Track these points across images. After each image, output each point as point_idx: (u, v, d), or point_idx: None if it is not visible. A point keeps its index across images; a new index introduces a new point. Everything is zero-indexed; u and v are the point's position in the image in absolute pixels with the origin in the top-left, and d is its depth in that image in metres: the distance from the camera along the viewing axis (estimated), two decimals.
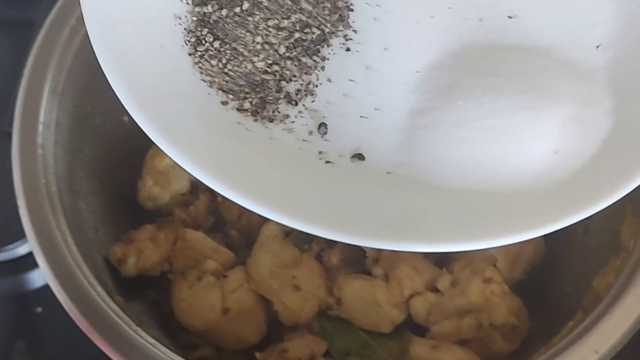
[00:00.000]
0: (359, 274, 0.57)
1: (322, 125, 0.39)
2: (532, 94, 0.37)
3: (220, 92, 0.39)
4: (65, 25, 0.56)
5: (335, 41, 0.40)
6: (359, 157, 0.39)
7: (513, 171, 0.36)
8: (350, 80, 0.40)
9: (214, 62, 0.39)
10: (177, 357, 0.47)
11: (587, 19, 0.39)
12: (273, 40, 0.38)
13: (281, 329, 0.57)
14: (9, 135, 0.54)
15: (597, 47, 0.39)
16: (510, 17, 0.39)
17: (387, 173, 0.38)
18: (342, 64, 0.40)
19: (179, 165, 0.37)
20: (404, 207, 0.37)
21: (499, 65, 0.38)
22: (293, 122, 0.39)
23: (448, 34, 0.39)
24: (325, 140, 0.39)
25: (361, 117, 0.39)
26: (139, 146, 0.63)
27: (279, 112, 0.39)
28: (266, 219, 0.59)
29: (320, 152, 0.39)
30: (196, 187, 0.63)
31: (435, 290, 0.55)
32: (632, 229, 0.52)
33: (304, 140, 0.39)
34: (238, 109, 0.39)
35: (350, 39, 0.40)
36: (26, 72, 0.55)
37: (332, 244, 0.59)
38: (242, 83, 0.39)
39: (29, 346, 0.62)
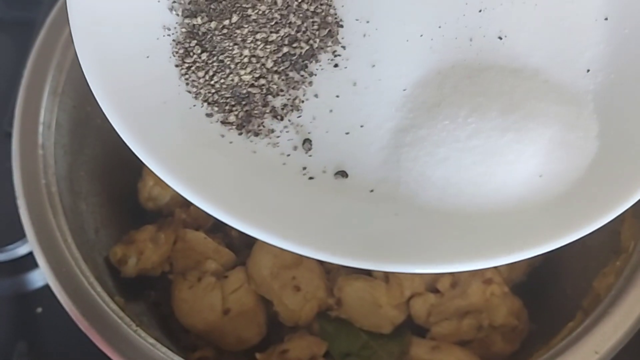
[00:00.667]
0: (359, 274, 0.57)
1: (307, 141, 0.39)
2: (518, 116, 0.37)
3: (205, 104, 0.39)
4: (66, 25, 0.56)
5: (323, 57, 0.39)
6: (342, 174, 0.39)
7: (496, 194, 0.36)
8: (336, 96, 0.39)
9: (200, 74, 0.38)
10: (177, 358, 0.47)
11: (578, 42, 0.39)
12: (261, 53, 0.38)
13: (281, 329, 0.57)
14: (9, 135, 0.53)
15: (588, 71, 0.39)
16: (500, 38, 0.39)
17: (370, 191, 0.38)
18: (329, 79, 0.39)
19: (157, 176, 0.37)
20: (385, 226, 0.37)
21: (486, 86, 0.38)
22: (278, 136, 0.39)
23: (437, 52, 0.39)
24: (309, 156, 0.39)
25: (346, 133, 0.39)
26: None
27: (264, 126, 0.39)
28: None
29: (303, 168, 0.39)
30: None
31: (435, 291, 0.55)
32: (632, 230, 0.52)
33: (288, 155, 0.39)
34: (223, 122, 0.39)
35: (339, 55, 0.40)
36: (26, 72, 0.55)
37: None
38: (228, 96, 0.38)
39: (30, 346, 0.62)
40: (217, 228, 0.63)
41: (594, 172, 0.36)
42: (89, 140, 0.59)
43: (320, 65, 0.39)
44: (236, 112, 0.38)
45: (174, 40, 0.40)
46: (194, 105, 0.38)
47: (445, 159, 0.37)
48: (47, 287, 0.49)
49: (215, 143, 0.38)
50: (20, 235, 0.60)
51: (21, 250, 0.62)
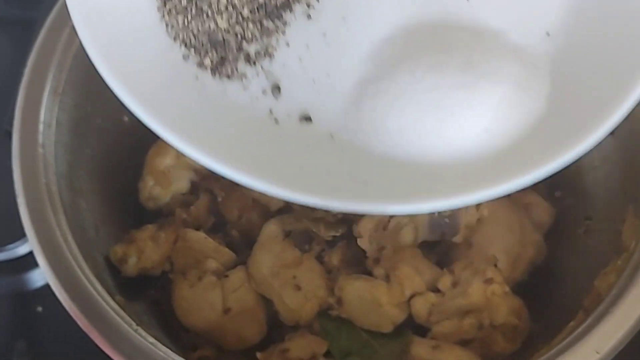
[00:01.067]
0: (359, 274, 0.57)
1: (276, 87, 0.41)
2: (473, 74, 0.39)
3: (183, 46, 0.40)
4: (66, 24, 0.56)
5: (298, 7, 0.41)
6: (307, 119, 0.41)
7: (443, 144, 0.38)
8: (307, 45, 0.41)
9: (179, 18, 0.40)
10: (177, 357, 0.47)
11: (541, 6, 0.40)
12: (237, 2, 0.39)
13: (282, 328, 0.57)
14: (9, 134, 0.53)
15: (547, 34, 0.40)
16: (467, 0, 0.40)
17: (331, 136, 0.40)
18: (301, 29, 0.41)
19: (131, 113, 0.39)
20: (342, 169, 0.39)
21: (447, 45, 0.39)
22: (250, 81, 0.41)
23: (405, 10, 0.40)
24: (277, 100, 0.41)
25: (313, 81, 0.41)
26: (139, 146, 0.63)
27: (237, 70, 0.41)
28: (267, 219, 0.60)
29: (270, 111, 0.41)
30: (197, 187, 0.63)
31: (436, 290, 0.55)
32: (633, 230, 0.52)
33: (257, 98, 0.41)
34: (198, 64, 0.40)
35: (312, 7, 0.41)
36: (27, 71, 0.55)
37: (332, 244, 0.59)
38: (204, 40, 0.40)
39: (29, 345, 0.62)
40: (218, 228, 0.63)
41: (537, 131, 0.38)
42: (89, 139, 0.59)
43: (294, 16, 0.41)
44: (211, 56, 0.40)
45: None
46: (172, 48, 0.40)
47: (402, 110, 0.39)
48: (47, 287, 0.49)
49: (190, 84, 0.40)
50: (20, 235, 0.60)
51: (21, 249, 0.62)
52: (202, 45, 0.40)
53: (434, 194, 0.37)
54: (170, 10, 0.40)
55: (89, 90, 0.58)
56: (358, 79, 0.41)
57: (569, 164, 0.37)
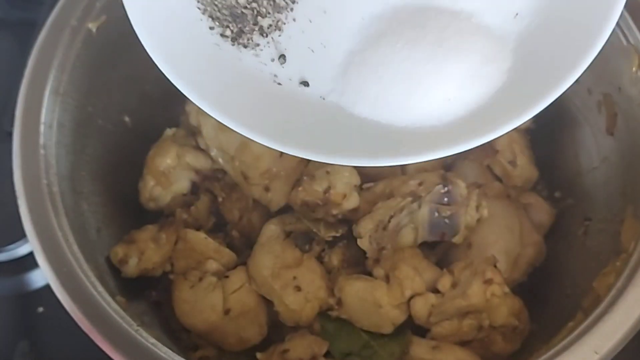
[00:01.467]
0: (359, 274, 0.57)
1: (282, 56, 0.48)
2: (444, 49, 0.44)
3: (209, 19, 0.47)
4: (67, 25, 0.56)
5: None
6: (304, 83, 0.48)
7: (410, 109, 0.45)
8: (310, 20, 0.48)
9: None
10: (178, 358, 0.47)
11: None
12: None
13: (282, 329, 0.57)
14: (10, 135, 0.53)
15: (516, 15, 0.45)
16: None
17: (322, 98, 0.48)
18: (306, 6, 0.48)
19: (161, 72, 0.44)
20: (330, 126, 0.46)
21: (425, 22, 0.45)
22: (261, 49, 0.48)
23: None
24: (282, 67, 0.48)
25: (311, 51, 0.48)
26: (140, 147, 0.63)
27: (252, 40, 0.48)
28: (267, 219, 0.60)
29: (275, 75, 0.48)
30: (197, 187, 0.63)
31: (436, 291, 0.55)
32: (632, 231, 0.52)
33: (265, 64, 0.48)
34: (221, 34, 0.48)
35: None
36: (27, 71, 0.55)
37: (333, 244, 0.59)
38: (226, 14, 0.47)
39: (31, 346, 0.62)
40: (218, 228, 0.63)
41: (494, 100, 0.44)
42: (90, 140, 0.59)
43: None
44: (232, 28, 0.47)
45: None
46: (200, 20, 0.47)
47: (380, 77, 0.45)
48: (48, 287, 0.49)
49: (212, 50, 0.47)
50: (21, 235, 0.60)
51: (22, 250, 0.62)
52: (225, 18, 0.47)
53: (395, 153, 0.43)
54: None
55: (90, 90, 0.58)
56: (349, 49, 0.47)
57: (516, 127, 0.42)
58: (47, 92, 0.54)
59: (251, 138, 0.44)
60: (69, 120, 0.56)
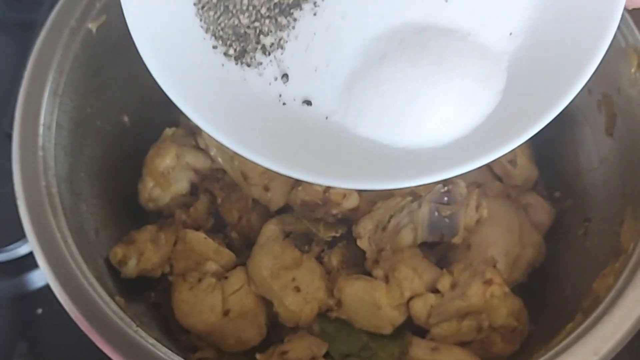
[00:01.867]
0: (359, 275, 0.57)
1: (285, 75, 0.48)
2: (443, 69, 0.45)
3: (213, 38, 0.47)
4: (66, 26, 0.56)
5: (306, 6, 0.47)
6: (308, 102, 0.48)
7: (410, 130, 0.45)
8: (312, 39, 0.48)
9: (211, 13, 0.47)
10: (177, 359, 0.47)
11: (508, 7, 0.45)
12: (256, 3, 0.47)
13: (281, 330, 0.57)
14: (9, 136, 0.53)
15: (510, 34, 0.45)
16: (446, 0, 0.46)
17: (326, 118, 0.48)
18: (308, 25, 0.48)
19: (163, 92, 0.45)
20: (333, 147, 0.46)
21: (424, 43, 0.45)
22: (265, 68, 0.48)
23: (394, 9, 0.47)
24: (285, 86, 0.48)
25: (315, 70, 0.48)
26: (139, 147, 0.63)
27: (255, 59, 0.48)
28: (266, 220, 0.60)
29: (280, 95, 0.48)
30: (196, 188, 0.63)
31: (435, 291, 0.55)
32: (631, 232, 0.52)
33: (269, 84, 0.48)
34: (224, 54, 0.47)
35: (318, 6, 0.47)
36: (27, 73, 0.55)
37: (332, 244, 0.59)
38: (229, 32, 0.47)
39: (30, 347, 0.62)
40: (218, 229, 0.63)
41: (490, 121, 0.44)
42: (89, 141, 0.59)
43: (303, 13, 0.47)
44: (235, 47, 0.47)
45: None
46: (204, 39, 0.47)
47: (381, 96, 0.46)
48: (47, 288, 0.49)
49: (216, 70, 0.47)
50: (21, 236, 0.60)
51: (21, 250, 0.62)
52: (228, 37, 0.47)
53: (395, 177, 0.44)
54: (203, 5, 0.47)
55: (89, 91, 0.58)
56: (351, 69, 0.47)
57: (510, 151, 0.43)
58: (46, 94, 0.54)
59: (255, 161, 0.44)
60: (67, 121, 0.56)
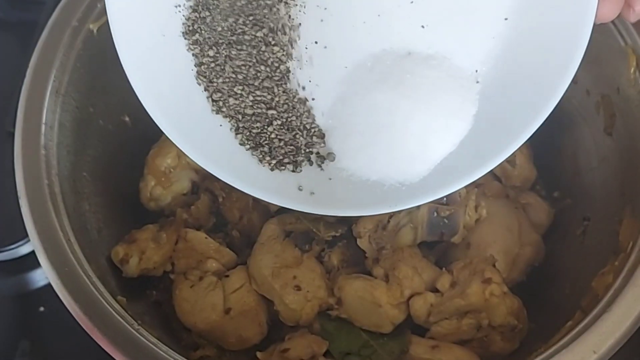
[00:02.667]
0: (359, 274, 0.57)
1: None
2: (421, 106, 0.46)
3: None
4: (68, 26, 0.56)
5: (285, 39, 0.47)
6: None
7: (387, 162, 0.46)
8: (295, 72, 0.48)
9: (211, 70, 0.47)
10: (178, 357, 0.47)
11: (481, 32, 0.46)
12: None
13: (282, 328, 0.57)
14: (11, 135, 0.53)
15: (482, 61, 0.46)
16: (422, 27, 0.46)
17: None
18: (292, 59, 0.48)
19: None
20: (318, 179, 0.48)
21: (404, 74, 0.46)
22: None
23: (373, 37, 0.47)
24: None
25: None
26: (141, 147, 0.63)
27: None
28: (267, 219, 0.60)
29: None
30: (197, 187, 0.63)
31: (435, 290, 0.56)
32: (630, 230, 0.52)
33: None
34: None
35: (297, 40, 0.48)
36: (29, 72, 0.55)
37: (332, 244, 0.60)
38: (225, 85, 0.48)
39: (32, 345, 0.62)
40: (218, 228, 0.63)
41: (461, 147, 0.46)
42: (91, 140, 0.59)
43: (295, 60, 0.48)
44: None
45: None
46: (221, 125, 0.48)
47: (362, 130, 0.47)
48: (49, 287, 0.49)
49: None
50: (23, 235, 0.60)
51: (23, 249, 0.63)
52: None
53: (364, 205, 0.47)
54: (204, 65, 0.47)
55: (91, 91, 0.59)
56: (335, 97, 0.48)
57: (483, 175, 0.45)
58: (48, 93, 0.54)
59: (249, 193, 0.47)
60: (69, 120, 0.56)
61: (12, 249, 0.63)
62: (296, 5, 0.47)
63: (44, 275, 0.62)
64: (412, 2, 0.46)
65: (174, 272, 0.59)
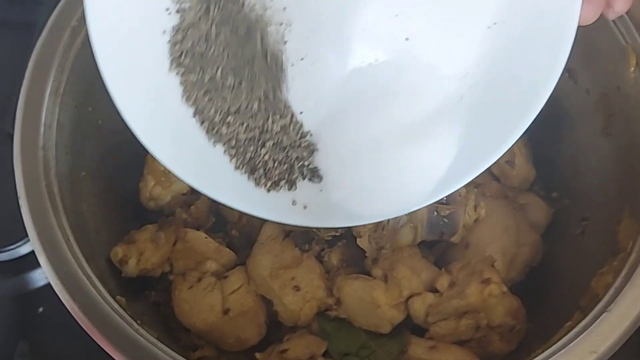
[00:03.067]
0: (358, 274, 0.57)
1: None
2: (411, 139, 0.46)
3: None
4: (67, 26, 0.56)
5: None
6: None
7: (377, 191, 0.47)
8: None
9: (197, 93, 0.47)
10: (177, 357, 0.47)
11: (466, 40, 0.46)
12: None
13: (281, 329, 0.57)
14: (10, 136, 0.54)
15: (469, 69, 0.46)
16: (407, 39, 0.46)
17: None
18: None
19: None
20: (310, 192, 0.48)
21: (389, 104, 0.47)
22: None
23: (358, 54, 0.47)
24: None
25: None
26: (140, 146, 0.63)
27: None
28: (266, 220, 0.60)
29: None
30: None
31: (434, 290, 0.56)
32: (629, 230, 0.52)
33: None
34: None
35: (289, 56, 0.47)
36: (28, 73, 0.55)
37: (332, 244, 0.60)
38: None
39: (31, 346, 0.62)
40: (218, 227, 0.63)
41: (448, 169, 0.46)
42: (90, 140, 0.59)
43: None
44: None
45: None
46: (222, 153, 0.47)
47: (357, 159, 0.47)
48: (48, 287, 0.49)
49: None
50: (22, 235, 0.60)
51: (23, 249, 0.63)
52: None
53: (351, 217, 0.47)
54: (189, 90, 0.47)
55: (90, 91, 0.58)
56: (324, 114, 0.48)
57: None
58: (47, 93, 0.54)
59: (245, 212, 0.47)
60: (68, 120, 0.56)
61: (12, 249, 0.63)
62: (281, 24, 0.46)
63: (43, 275, 0.62)
64: (396, 15, 0.46)
65: (173, 273, 0.59)
